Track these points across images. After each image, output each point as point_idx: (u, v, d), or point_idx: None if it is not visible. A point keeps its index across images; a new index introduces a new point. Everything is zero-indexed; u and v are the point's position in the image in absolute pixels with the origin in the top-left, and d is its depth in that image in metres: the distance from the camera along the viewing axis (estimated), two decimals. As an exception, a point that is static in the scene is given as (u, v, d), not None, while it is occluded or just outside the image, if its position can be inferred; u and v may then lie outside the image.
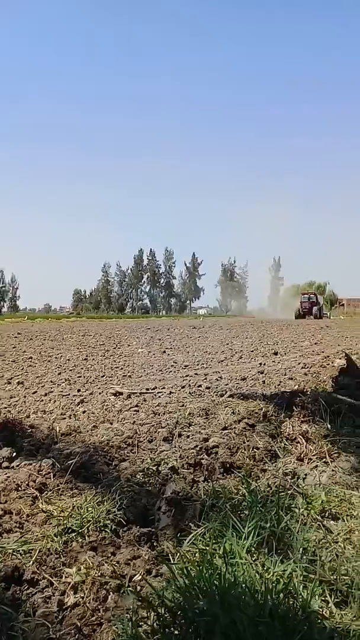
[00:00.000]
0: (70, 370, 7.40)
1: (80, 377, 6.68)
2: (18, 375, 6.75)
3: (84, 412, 4.32)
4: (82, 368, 7.62)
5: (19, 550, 1.84)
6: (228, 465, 2.79)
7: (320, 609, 1.53)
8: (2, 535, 1.98)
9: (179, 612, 1.43)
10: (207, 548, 1.78)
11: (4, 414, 4.15)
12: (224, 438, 3.21)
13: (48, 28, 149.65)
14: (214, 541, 1.86)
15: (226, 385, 5.74)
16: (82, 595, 1.61)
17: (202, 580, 1.51)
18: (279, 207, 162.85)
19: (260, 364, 8.03)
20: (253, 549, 1.78)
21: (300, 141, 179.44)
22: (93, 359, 8.90)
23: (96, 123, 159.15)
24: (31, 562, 1.77)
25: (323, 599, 1.58)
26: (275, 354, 9.90)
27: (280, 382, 5.88)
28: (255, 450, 3.05)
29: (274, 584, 1.52)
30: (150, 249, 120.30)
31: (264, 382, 5.92)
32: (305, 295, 56.14)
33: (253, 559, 1.71)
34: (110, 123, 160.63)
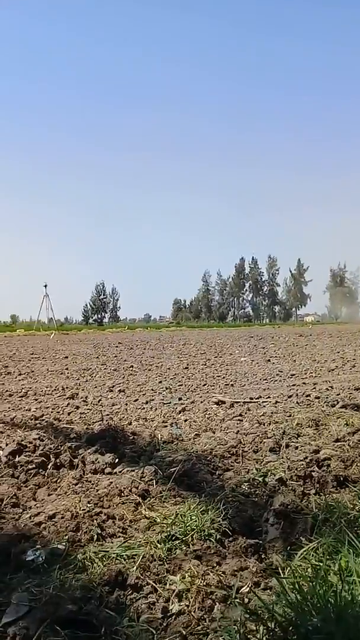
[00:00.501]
0: (171, 378, 7.44)
1: (181, 385, 6.70)
2: (120, 384, 6.89)
3: (185, 420, 4.29)
4: (182, 377, 7.64)
5: (122, 555, 1.83)
6: (342, 479, 2.62)
7: None
8: (106, 540, 1.99)
9: (290, 628, 1.34)
10: (321, 564, 1.66)
11: (107, 420, 4.22)
12: (336, 450, 3.05)
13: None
14: (327, 557, 1.73)
15: (337, 395, 5.49)
16: (187, 603, 1.56)
17: (315, 596, 1.41)
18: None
19: (376, 372, 7.62)
20: (371, 567, 1.63)
21: None
22: (194, 368, 8.90)
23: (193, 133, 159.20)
24: (135, 567, 1.75)
25: None
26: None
27: None
28: (371, 463, 2.85)
29: None
30: (252, 257, 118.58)
31: (380, 391, 5.61)
32: None
33: (372, 577, 1.56)
34: (213, 132, 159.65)
